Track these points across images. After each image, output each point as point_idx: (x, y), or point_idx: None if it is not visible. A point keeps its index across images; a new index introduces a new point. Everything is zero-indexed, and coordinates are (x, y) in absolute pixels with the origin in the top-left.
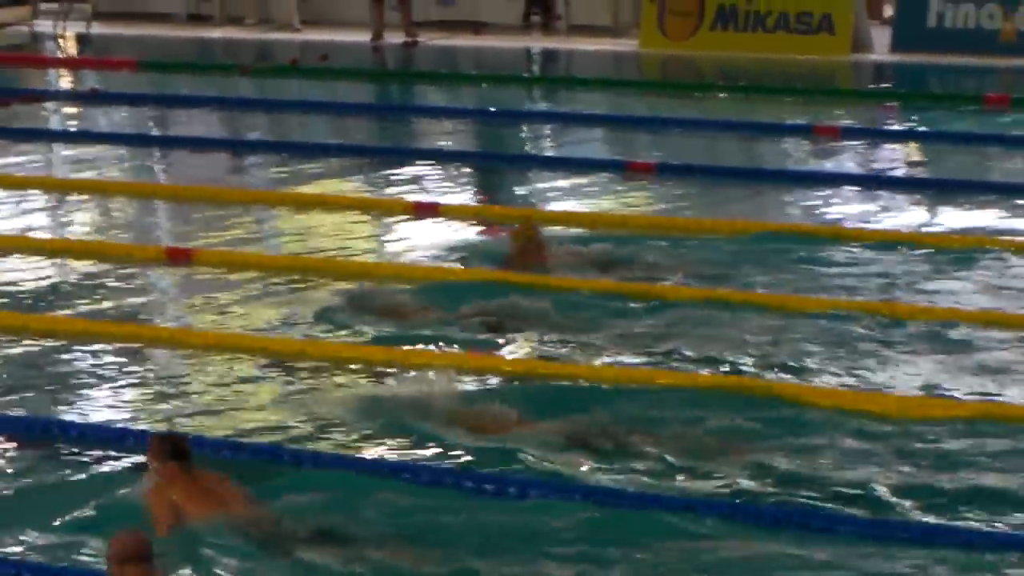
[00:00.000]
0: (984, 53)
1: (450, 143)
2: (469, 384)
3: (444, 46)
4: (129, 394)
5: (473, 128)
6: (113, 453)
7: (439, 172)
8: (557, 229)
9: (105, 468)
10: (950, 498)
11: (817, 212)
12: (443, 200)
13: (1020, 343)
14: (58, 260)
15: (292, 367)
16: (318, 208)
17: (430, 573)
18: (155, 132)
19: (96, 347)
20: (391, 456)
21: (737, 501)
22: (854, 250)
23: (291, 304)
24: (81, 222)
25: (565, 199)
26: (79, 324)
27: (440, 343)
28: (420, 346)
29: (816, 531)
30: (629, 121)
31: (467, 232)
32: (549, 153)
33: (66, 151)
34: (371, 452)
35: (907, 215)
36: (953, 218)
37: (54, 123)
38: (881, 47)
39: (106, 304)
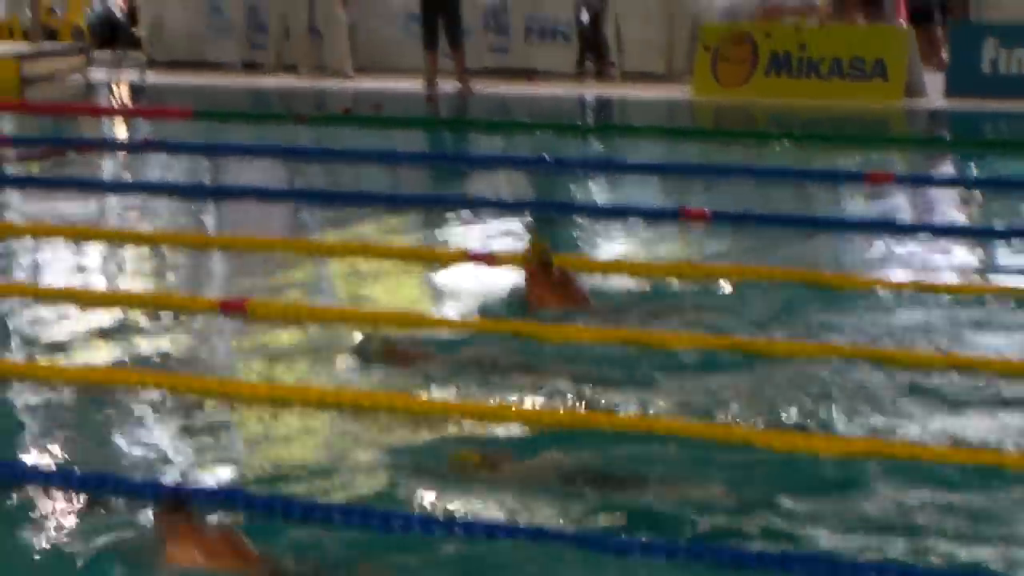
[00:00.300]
0: None
1: (504, 191)
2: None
3: (497, 93)
4: (180, 445)
5: (527, 176)
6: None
7: (493, 221)
8: (611, 277)
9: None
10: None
11: (871, 259)
12: (497, 249)
13: None
14: (111, 310)
15: (345, 417)
16: (372, 257)
17: None
18: (209, 181)
19: (150, 398)
20: (433, 506)
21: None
22: (906, 298)
23: (345, 354)
24: (135, 272)
25: (619, 247)
26: (133, 374)
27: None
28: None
29: None
30: (683, 168)
31: (521, 280)
32: (603, 201)
33: (120, 201)
34: (417, 502)
35: (961, 262)
36: (1009, 266)
37: (108, 172)
38: (935, 93)
39: (159, 355)
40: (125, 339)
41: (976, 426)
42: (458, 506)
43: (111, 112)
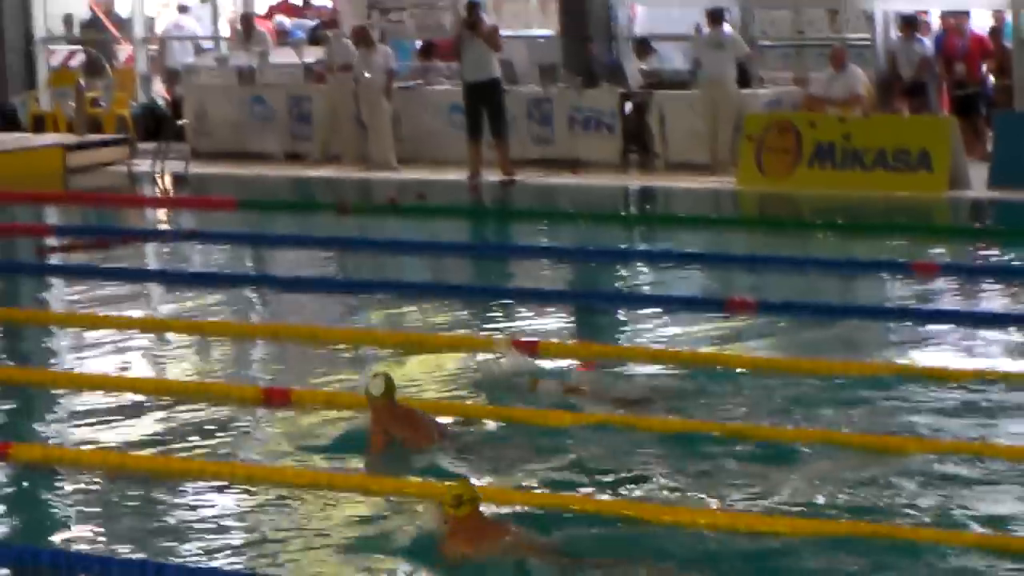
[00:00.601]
0: None
1: (548, 282)
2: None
3: (542, 184)
4: (225, 535)
5: (571, 266)
6: None
7: (537, 311)
8: (656, 367)
9: None
10: None
11: (915, 350)
12: (542, 338)
13: None
14: (156, 400)
15: (388, 507)
16: (417, 347)
17: None
18: (253, 272)
19: (194, 487)
20: None
21: None
22: (952, 389)
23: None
24: (179, 362)
25: (664, 337)
26: (175, 464)
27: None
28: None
29: None
30: (728, 259)
31: (564, 369)
32: (647, 291)
33: (164, 291)
34: None
35: (1006, 353)
36: None
37: (152, 263)
38: (979, 184)
39: (203, 444)
40: (169, 426)
41: None
42: None
43: (155, 203)
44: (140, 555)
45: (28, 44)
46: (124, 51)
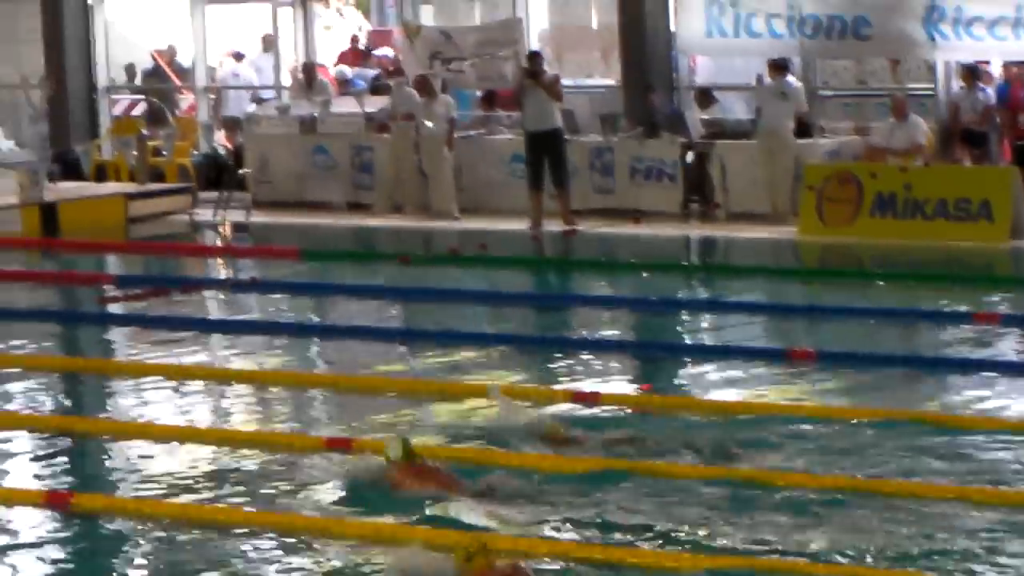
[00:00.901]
0: None
1: (609, 332)
2: None
3: (603, 234)
4: None
5: (632, 317)
6: None
7: (599, 361)
8: (717, 418)
9: None
10: None
11: (977, 400)
12: (603, 389)
13: None
14: (219, 450)
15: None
16: (477, 398)
17: None
18: (315, 321)
19: (258, 539)
20: None
21: None
22: (1014, 440)
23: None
24: (241, 412)
25: (725, 388)
26: (238, 514)
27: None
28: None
29: None
30: (789, 309)
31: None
32: (708, 341)
33: (226, 340)
34: None
35: None
36: None
37: (214, 312)
38: None
39: (266, 495)
40: (231, 478)
41: None
42: None
43: (216, 252)
44: None
45: (91, 93)
46: (186, 100)
